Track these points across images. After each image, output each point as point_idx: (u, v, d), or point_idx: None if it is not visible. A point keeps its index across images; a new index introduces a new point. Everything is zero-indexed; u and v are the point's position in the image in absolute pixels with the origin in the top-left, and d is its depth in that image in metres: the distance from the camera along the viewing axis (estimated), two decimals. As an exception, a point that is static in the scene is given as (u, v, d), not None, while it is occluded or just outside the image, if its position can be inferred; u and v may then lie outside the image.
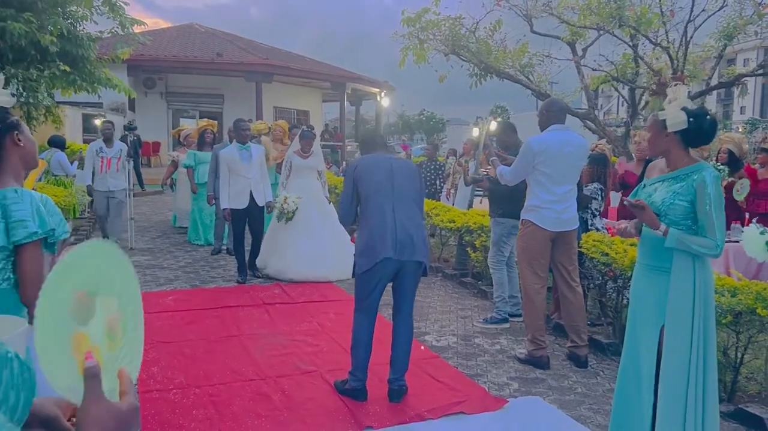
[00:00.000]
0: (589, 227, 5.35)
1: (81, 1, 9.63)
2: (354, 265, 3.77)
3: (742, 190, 5.73)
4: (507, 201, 5.17)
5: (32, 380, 0.95)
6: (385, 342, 3.89)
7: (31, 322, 1.08)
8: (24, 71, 9.22)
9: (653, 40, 9.08)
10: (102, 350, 0.99)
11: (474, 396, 3.84)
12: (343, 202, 3.86)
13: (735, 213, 5.96)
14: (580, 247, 4.88)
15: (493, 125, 9.96)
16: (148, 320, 4.44)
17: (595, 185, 5.33)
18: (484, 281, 6.64)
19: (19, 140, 2.05)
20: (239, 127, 6.72)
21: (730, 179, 5.97)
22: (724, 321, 3.65)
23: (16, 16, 8.41)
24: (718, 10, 8.75)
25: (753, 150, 13.55)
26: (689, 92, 3.13)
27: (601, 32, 9.36)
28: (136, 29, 10.84)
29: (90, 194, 7.61)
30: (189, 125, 10.50)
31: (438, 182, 10.98)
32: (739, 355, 3.88)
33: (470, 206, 8.99)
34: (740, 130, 29.85)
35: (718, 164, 6.20)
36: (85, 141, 14.20)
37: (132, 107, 18.51)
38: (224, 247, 8.13)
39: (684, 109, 2.75)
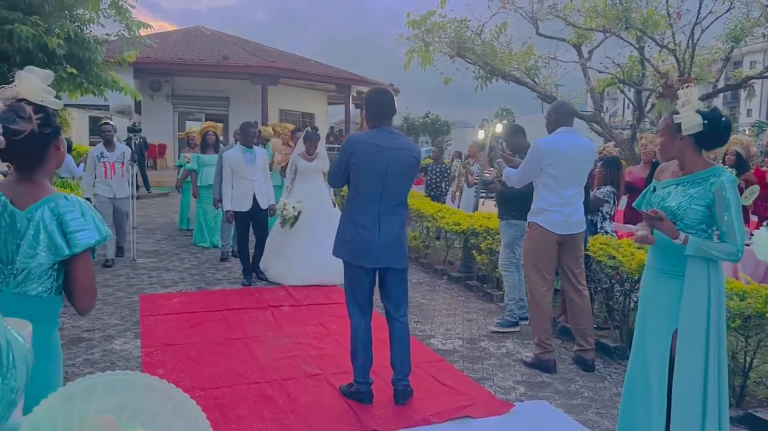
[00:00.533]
0: (599, 230, 5.31)
1: (88, 4, 9.67)
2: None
3: (751, 195, 5.70)
4: (519, 203, 5.07)
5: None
6: (388, 344, 3.87)
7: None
8: (31, 74, 9.26)
9: (660, 43, 9.04)
10: None
11: (480, 399, 3.81)
12: (335, 172, 3.76)
13: (746, 216, 5.93)
14: (587, 250, 4.85)
15: (499, 128, 9.94)
16: (153, 322, 4.47)
17: (608, 188, 5.29)
18: (489, 284, 6.62)
19: (59, 145, 1.98)
20: (247, 131, 6.66)
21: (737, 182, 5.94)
22: (732, 325, 3.61)
23: (24, 19, 8.46)
24: (725, 12, 8.71)
25: (760, 153, 13.49)
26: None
27: (608, 34, 9.32)
28: (143, 32, 10.90)
29: (88, 199, 7.08)
30: (196, 128, 10.49)
31: (443, 185, 10.97)
32: (748, 359, 3.85)
33: (476, 208, 8.97)
34: (747, 132, 29.75)
35: (725, 165, 6.17)
36: (92, 143, 14.28)
37: (138, 110, 18.60)
38: (231, 249, 8.10)
39: (698, 112, 2.72)
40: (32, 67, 1.92)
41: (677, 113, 2.77)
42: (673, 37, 8.86)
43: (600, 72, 10.19)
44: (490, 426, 3.51)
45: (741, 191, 5.71)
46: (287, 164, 7.45)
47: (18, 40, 8.38)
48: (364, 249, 3.63)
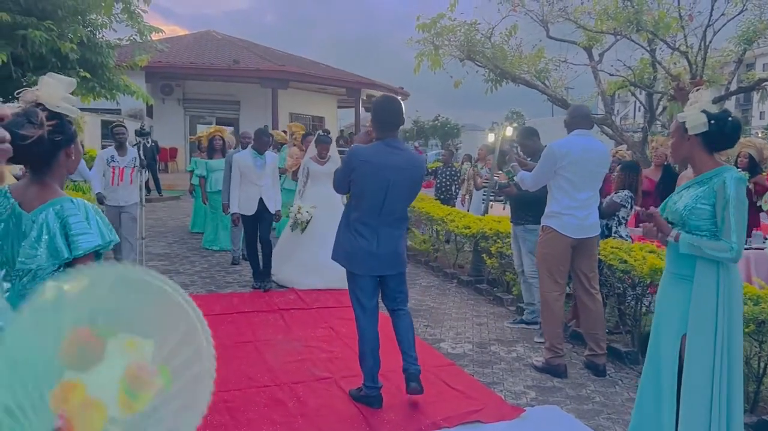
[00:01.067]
0: (612, 235, 5.26)
1: (101, 9, 9.77)
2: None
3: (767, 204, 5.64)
4: (536, 207, 4.96)
5: None
6: (397, 348, 3.86)
7: None
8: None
9: (671, 45, 8.97)
10: (109, 407, 0.77)
11: (490, 404, 3.80)
12: (339, 180, 3.77)
13: (756, 220, 5.87)
14: (598, 254, 4.82)
15: (509, 131, 9.90)
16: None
17: (626, 192, 5.23)
18: (499, 287, 6.59)
19: (71, 153, 2.00)
20: (261, 139, 6.57)
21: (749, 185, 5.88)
22: (746, 330, 3.57)
23: (37, 25, 8.55)
24: (738, 14, 8.63)
25: (774, 156, 13.33)
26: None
27: (619, 37, 9.26)
28: (154, 37, 10.97)
29: (101, 201, 6.57)
30: (204, 132, 10.48)
31: (453, 188, 10.96)
32: (762, 365, 3.80)
33: (486, 212, 8.95)
34: (760, 135, 29.45)
35: (738, 168, 6.11)
36: (104, 147, 14.37)
37: (150, 114, 18.73)
38: (241, 252, 8.09)
39: (704, 111, 2.71)
40: (55, 74, 1.93)
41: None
42: (685, 39, 8.79)
43: (611, 75, 10.13)
44: (501, 430, 3.49)
45: (750, 194, 5.66)
46: (299, 167, 7.45)
47: (32, 45, 8.47)
48: (361, 258, 3.68)
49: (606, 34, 9.38)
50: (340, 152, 7.58)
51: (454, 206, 9.98)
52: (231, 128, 17.57)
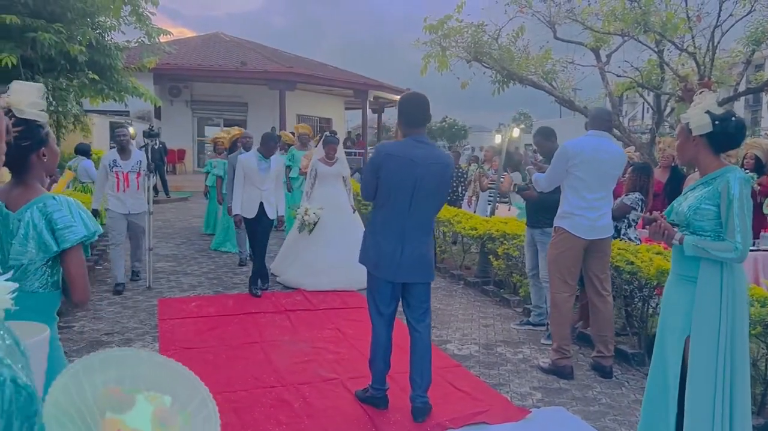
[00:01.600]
0: (621, 237, 5.23)
1: (109, 11, 9.84)
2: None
3: None
4: (554, 210, 4.81)
5: (31, 405, 0.83)
6: (406, 350, 3.85)
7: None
8: (54, 81, 9.46)
9: (679, 46, 8.93)
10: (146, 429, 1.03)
11: (496, 405, 3.80)
12: (366, 185, 3.66)
13: (763, 222, 5.84)
14: (605, 255, 4.80)
15: (516, 132, 9.87)
16: (171, 326, 4.50)
17: (636, 194, 5.16)
18: (506, 289, 6.59)
19: (44, 155, 2.10)
20: (268, 144, 6.49)
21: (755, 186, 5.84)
22: (753, 332, 3.55)
23: (47, 27, 8.63)
24: (746, 15, 8.58)
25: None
26: (717, 98, 3.08)
27: (626, 38, 9.23)
28: (162, 39, 11.06)
29: (95, 216, 5.70)
30: (223, 134, 10.40)
31: (460, 189, 10.96)
32: (770, 367, 3.78)
33: (492, 213, 8.94)
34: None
35: (745, 169, 6.07)
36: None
37: (158, 115, 18.84)
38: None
39: (708, 112, 2.70)
40: (22, 81, 2.04)
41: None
42: (693, 40, 8.75)
43: (618, 76, 10.10)
44: (507, 432, 3.49)
45: (755, 195, 5.62)
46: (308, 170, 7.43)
47: (41, 47, 8.55)
48: (386, 263, 3.56)
49: (613, 36, 9.35)
50: (347, 154, 7.57)
51: (460, 207, 9.98)
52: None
